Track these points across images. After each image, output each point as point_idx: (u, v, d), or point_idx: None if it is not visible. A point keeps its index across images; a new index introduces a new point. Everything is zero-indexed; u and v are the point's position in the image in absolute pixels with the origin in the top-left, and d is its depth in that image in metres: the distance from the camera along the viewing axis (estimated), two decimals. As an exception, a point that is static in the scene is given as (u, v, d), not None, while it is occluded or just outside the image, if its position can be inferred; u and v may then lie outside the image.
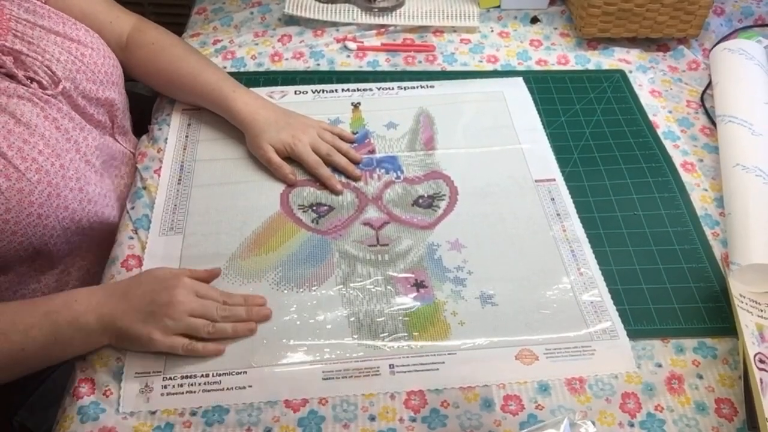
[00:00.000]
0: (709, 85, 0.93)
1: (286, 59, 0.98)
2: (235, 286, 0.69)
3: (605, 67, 0.98)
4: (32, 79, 0.70)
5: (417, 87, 0.93)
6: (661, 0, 0.94)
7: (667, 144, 0.86)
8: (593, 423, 0.58)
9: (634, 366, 0.64)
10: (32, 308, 0.62)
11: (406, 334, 0.66)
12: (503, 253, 0.73)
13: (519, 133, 0.86)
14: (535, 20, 1.06)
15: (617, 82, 0.95)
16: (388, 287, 0.70)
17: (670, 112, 0.91)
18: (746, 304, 0.67)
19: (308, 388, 0.62)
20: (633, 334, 0.67)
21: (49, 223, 0.68)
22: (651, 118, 0.89)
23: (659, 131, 0.88)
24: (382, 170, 0.82)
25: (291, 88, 0.92)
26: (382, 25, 1.03)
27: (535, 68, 0.98)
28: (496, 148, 0.85)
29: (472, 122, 0.88)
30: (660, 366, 0.65)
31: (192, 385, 0.62)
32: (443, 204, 0.78)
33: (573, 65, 0.98)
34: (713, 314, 0.68)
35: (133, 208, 0.78)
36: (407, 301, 0.69)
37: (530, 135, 0.86)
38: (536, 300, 0.69)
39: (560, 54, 1.00)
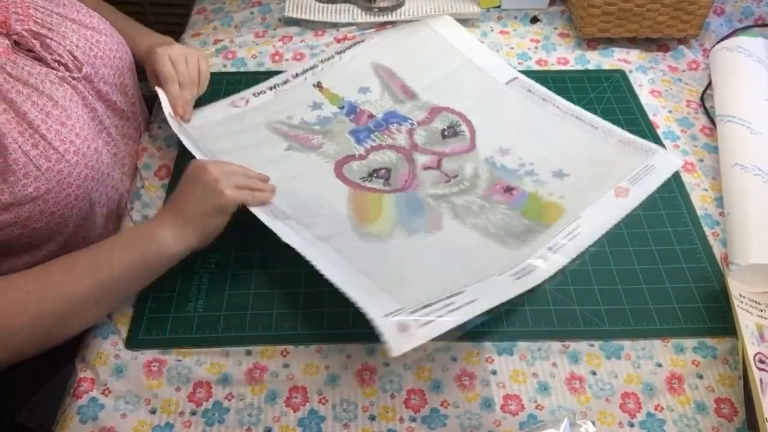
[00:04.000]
0: (709, 85, 0.93)
1: (287, 59, 0.98)
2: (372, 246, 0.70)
3: (605, 67, 0.98)
4: (59, 62, 0.71)
5: (352, 46, 0.97)
6: (661, 0, 0.94)
7: (667, 144, 0.86)
8: (593, 423, 0.58)
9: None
10: (109, 240, 0.66)
11: (536, 223, 0.72)
12: (538, 137, 0.84)
13: (464, 53, 0.96)
14: (535, 20, 1.06)
15: (617, 82, 0.95)
16: (491, 202, 0.75)
17: (670, 112, 0.91)
18: (746, 304, 0.67)
19: (507, 289, 0.62)
20: (633, 334, 0.67)
21: (84, 205, 0.70)
22: (651, 118, 0.89)
23: (659, 131, 0.88)
24: (395, 124, 0.85)
25: (249, 92, 0.90)
26: (382, 25, 1.03)
27: (535, 68, 0.98)
28: (457, 74, 0.93)
29: (422, 59, 0.95)
30: (660, 366, 0.65)
31: (433, 312, 0.60)
32: (464, 128, 0.85)
33: (573, 65, 0.98)
34: (713, 314, 0.68)
35: (132, 208, 0.78)
36: (513, 202, 0.75)
37: (474, 50, 0.96)
38: (589, 153, 0.80)
39: (560, 54, 1.00)
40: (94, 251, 0.64)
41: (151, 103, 0.92)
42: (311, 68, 0.93)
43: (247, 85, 0.93)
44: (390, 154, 0.81)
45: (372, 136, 0.84)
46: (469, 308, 0.59)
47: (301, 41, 1.01)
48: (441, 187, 0.77)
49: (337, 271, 0.63)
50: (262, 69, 0.97)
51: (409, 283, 0.65)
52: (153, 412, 0.61)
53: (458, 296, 0.61)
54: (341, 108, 0.87)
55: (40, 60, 0.70)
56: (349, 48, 0.96)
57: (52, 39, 0.71)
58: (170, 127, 0.81)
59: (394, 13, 1.04)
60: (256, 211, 0.68)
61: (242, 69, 0.97)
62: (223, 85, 0.93)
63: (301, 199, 0.73)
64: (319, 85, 0.90)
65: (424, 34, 0.98)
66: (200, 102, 0.87)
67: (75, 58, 0.73)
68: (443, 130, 0.84)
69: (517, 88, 0.91)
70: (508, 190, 0.77)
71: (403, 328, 0.57)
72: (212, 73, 0.94)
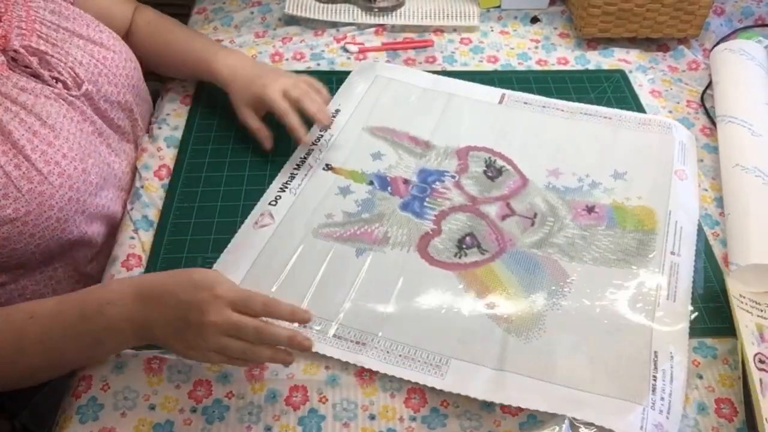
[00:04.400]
0: (710, 85, 0.93)
1: (287, 59, 0.98)
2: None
3: (605, 67, 0.98)
4: (57, 80, 0.70)
5: (335, 113, 0.88)
6: (661, 0, 0.94)
7: (667, 144, 0.86)
8: (593, 423, 0.58)
9: None
10: (66, 314, 0.58)
11: (642, 232, 0.74)
12: (571, 146, 0.84)
13: (440, 89, 0.92)
14: (535, 20, 1.06)
15: (617, 82, 0.95)
16: (588, 229, 0.75)
17: (670, 112, 0.91)
18: (746, 304, 0.67)
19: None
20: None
21: (67, 227, 0.68)
22: (651, 118, 0.90)
23: (659, 131, 0.88)
24: (437, 183, 0.80)
25: (264, 204, 0.77)
26: (382, 25, 1.03)
27: (535, 68, 0.98)
28: (449, 111, 0.89)
29: (407, 109, 0.90)
30: (660, 366, 0.65)
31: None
32: (501, 162, 0.82)
33: (573, 65, 0.98)
34: (713, 314, 0.68)
35: (132, 208, 0.78)
36: (605, 221, 0.76)
37: (444, 84, 0.93)
38: (623, 144, 0.84)
39: (560, 54, 1.00)
40: (48, 327, 0.58)
41: (153, 102, 0.92)
42: (308, 155, 0.83)
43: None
44: (459, 217, 0.76)
45: (426, 204, 0.77)
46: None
47: (301, 41, 1.01)
48: (533, 233, 0.74)
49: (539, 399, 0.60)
50: (262, 69, 0.97)
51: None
52: (152, 408, 0.61)
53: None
54: (371, 184, 0.80)
55: (37, 77, 0.69)
56: (333, 116, 0.87)
57: (52, 56, 0.71)
58: None
59: (394, 14, 1.04)
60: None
61: (242, 69, 0.97)
62: (224, 85, 0.93)
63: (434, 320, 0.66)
64: (330, 168, 0.81)
65: (383, 84, 0.92)
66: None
67: (76, 75, 0.72)
68: (485, 172, 0.80)
69: (513, 104, 0.90)
70: (590, 210, 0.77)
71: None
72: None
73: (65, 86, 0.71)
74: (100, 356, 0.63)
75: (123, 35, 0.85)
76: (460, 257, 0.72)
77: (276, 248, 0.72)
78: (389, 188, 0.79)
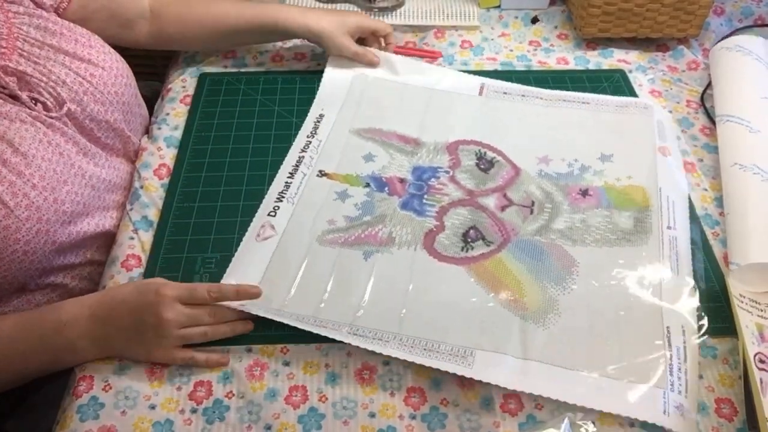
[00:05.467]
0: (709, 85, 0.93)
1: (287, 60, 0.98)
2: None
3: (605, 67, 0.98)
4: (37, 101, 0.69)
5: (315, 125, 0.87)
6: (661, 0, 0.94)
7: (667, 144, 0.86)
8: (593, 423, 0.58)
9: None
10: (26, 334, 0.62)
11: (637, 209, 0.77)
12: (557, 133, 0.85)
13: (419, 84, 0.93)
14: (535, 20, 1.06)
15: (617, 82, 0.95)
16: (585, 212, 0.76)
17: (670, 111, 0.91)
18: (746, 304, 0.67)
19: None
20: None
21: (36, 259, 0.66)
22: (651, 118, 0.89)
23: (659, 131, 0.88)
24: (434, 179, 0.80)
25: (263, 215, 0.76)
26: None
27: (535, 68, 0.98)
28: (433, 106, 0.90)
29: (391, 108, 0.90)
30: (660, 365, 0.65)
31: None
32: (491, 153, 0.83)
33: (573, 65, 0.98)
34: (713, 314, 0.68)
35: (132, 208, 0.78)
36: (600, 202, 0.77)
37: (423, 77, 0.94)
38: (604, 127, 0.86)
39: (560, 54, 1.00)
40: (9, 347, 0.62)
41: (150, 103, 0.92)
42: (299, 162, 0.82)
43: (248, 84, 0.93)
44: (460, 211, 0.77)
45: (425, 201, 0.78)
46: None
47: (301, 41, 1.01)
48: (533, 221, 0.76)
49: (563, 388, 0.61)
50: (262, 69, 0.97)
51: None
52: (153, 408, 0.61)
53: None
54: (367, 186, 0.79)
55: (15, 98, 0.67)
56: (314, 128, 0.86)
57: (32, 76, 0.69)
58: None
59: (394, 13, 1.04)
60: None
61: (242, 69, 0.97)
62: (223, 85, 0.93)
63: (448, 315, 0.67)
64: (324, 174, 0.81)
65: (362, 82, 0.92)
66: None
67: (58, 95, 0.70)
68: (477, 165, 0.81)
69: (493, 95, 0.91)
70: (585, 193, 0.78)
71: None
72: (212, 73, 0.95)
73: (45, 108, 0.69)
74: (63, 367, 0.64)
75: (144, 20, 0.85)
76: (467, 251, 0.73)
77: (283, 260, 0.71)
78: (386, 189, 0.79)
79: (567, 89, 0.93)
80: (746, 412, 0.60)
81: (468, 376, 0.61)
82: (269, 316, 0.65)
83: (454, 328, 0.66)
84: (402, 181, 0.80)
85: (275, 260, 0.71)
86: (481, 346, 0.64)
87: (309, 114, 0.88)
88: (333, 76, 0.93)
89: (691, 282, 0.70)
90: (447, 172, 0.81)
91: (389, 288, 0.69)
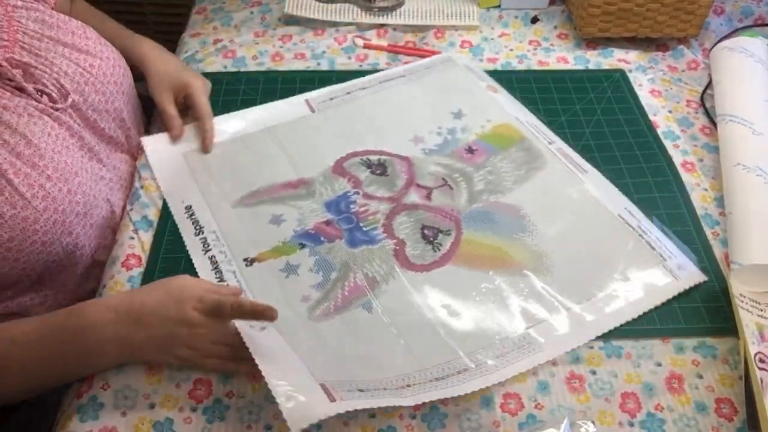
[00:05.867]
0: (709, 84, 0.93)
1: (287, 59, 0.98)
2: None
3: (605, 67, 0.98)
4: (42, 92, 0.69)
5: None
6: (661, 0, 0.94)
7: (667, 144, 0.86)
8: (593, 423, 0.58)
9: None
10: (47, 339, 0.59)
11: (518, 143, 0.85)
12: (409, 108, 0.89)
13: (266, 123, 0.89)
14: (535, 20, 1.06)
15: (617, 82, 0.95)
16: (482, 167, 0.82)
17: (670, 111, 0.91)
18: (746, 303, 0.67)
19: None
20: (633, 334, 0.67)
21: (53, 249, 0.67)
22: (651, 117, 0.89)
23: (659, 131, 0.88)
24: (352, 204, 0.77)
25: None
26: (382, 25, 1.03)
27: (535, 68, 0.98)
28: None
29: (238, 164, 0.83)
30: (660, 365, 0.65)
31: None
32: (372, 157, 0.83)
33: (573, 65, 0.98)
34: (713, 314, 0.68)
35: (132, 209, 0.78)
36: (486, 152, 0.83)
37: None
38: (431, 82, 0.93)
39: (560, 54, 1.00)
40: (29, 353, 0.59)
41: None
42: (214, 264, 0.72)
43: (248, 84, 0.93)
44: (401, 219, 0.76)
45: (365, 229, 0.75)
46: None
47: (301, 41, 1.01)
48: (459, 194, 0.79)
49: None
50: (262, 69, 0.97)
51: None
52: (152, 407, 0.61)
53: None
54: (303, 246, 0.73)
55: (21, 90, 0.68)
56: (195, 223, 0.76)
57: (36, 67, 0.69)
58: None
59: (393, 13, 1.04)
60: None
61: (242, 69, 0.97)
62: (223, 85, 0.93)
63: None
64: (252, 260, 0.72)
65: (197, 159, 0.82)
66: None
67: (61, 86, 0.70)
68: (373, 172, 0.80)
69: (324, 107, 0.89)
70: (471, 150, 0.83)
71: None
72: (212, 73, 0.95)
73: (51, 99, 0.69)
74: (81, 376, 0.63)
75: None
76: (438, 249, 0.73)
77: (297, 345, 0.64)
78: (322, 238, 0.74)
79: (567, 89, 0.93)
80: (746, 412, 0.60)
81: (549, 358, 0.64)
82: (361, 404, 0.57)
83: (503, 316, 0.67)
84: (328, 223, 0.75)
85: (281, 351, 0.63)
86: (535, 320, 0.67)
87: (174, 211, 0.76)
88: (160, 159, 0.82)
89: (588, 168, 0.81)
90: (357, 193, 0.78)
91: (411, 323, 0.67)
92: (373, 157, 0.82)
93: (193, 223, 0.75)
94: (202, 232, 0.74)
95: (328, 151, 0.84)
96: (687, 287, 0.69)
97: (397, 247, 0.73)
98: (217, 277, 0.70)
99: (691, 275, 0.70)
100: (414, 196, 0.78)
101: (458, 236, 0.74)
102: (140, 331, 0.60)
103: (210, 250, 0.73)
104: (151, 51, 0.86)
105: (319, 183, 0.80)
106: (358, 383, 0.61)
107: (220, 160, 0.82)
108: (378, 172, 0.81)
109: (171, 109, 0.83)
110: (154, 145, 0.84)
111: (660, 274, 0.70)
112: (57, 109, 0.70)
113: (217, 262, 0.71)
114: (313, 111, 0.89)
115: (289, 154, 0.83)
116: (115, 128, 0.79)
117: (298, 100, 0.90)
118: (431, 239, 0.74)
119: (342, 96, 0.91)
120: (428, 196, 0.78)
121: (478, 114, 0.88)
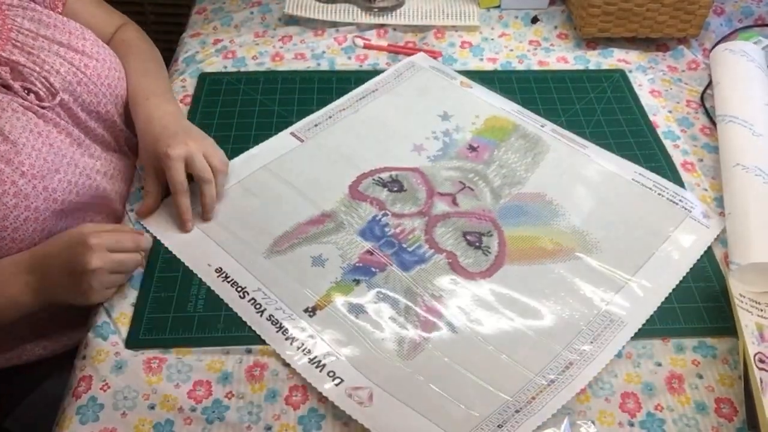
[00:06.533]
0: (709, 84, 0.93)
1: (287, 59, 0.98)
2: None
3: (605, 67, 0.98)
4: (29, 91, 0.69)
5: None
6: (661, 0, 0.94)
7: (667, 144, 0.86)
8: (593, 423, 0.58)
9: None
10: None
11: (507, 137, 0.86)
12: (399, 118, 0.88)
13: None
14: (535, 20, 1.06)
15: (617, 82, 0.95)
16: (491, 162, 0.83)
17: (670, 111, 0.91)
18: (746, 303, 0.67)
19: None
20: (633, 334, 0.67)
21: (24, 247, 0.67)
22: (651, 117, 0.89)
23: (659, 131, 0.88)
24: (387, 227, 0.75)
25: None
26: (382, 26, 1.03)
27: (535, 68, 0.98)
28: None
29: (254, 213, 0.77)
30: (660, 365, 0.65)
31: None
32: (384, 175, 0.81)
33: (573, 65, 0.98)
34: (713, 314, 0.68)
35: (132, 209, 0.78)
36: (488, 148, 0.84)
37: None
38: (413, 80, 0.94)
39: (560, 54, 1.00)
40: None
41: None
42: (278, 325, 0.67)
43: (248, 84, 0.93)
44: (439, 231, 0.75)
45: (408, 249, 0.73)
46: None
47: (301, 41, 1.01)
48: (482, 194, 0.79)
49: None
50: (262, 69, 0.97)
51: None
52: (152, 408, 0.61)
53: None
54: (357, 282, 0.70)
55: (7, 87, 0.68)
56: (234, 283, 0.70)
57: (25, 65, 0.69)
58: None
59: (393, 13, 1.04)
60: None
61: (242, 69, 0.97)
62: (223, 85, 0.93)
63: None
64: (313, 311, 0.68)
65: (203, 233, 0.75)
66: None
67: (51, 85, 0.70)
68: (391, 190, 0.78)
69: (310, 133, 0.86)
70: (473, 149, 0.83)
71: None
72: (212, 73, 0.95)
73: (38, 97, 0.69)
74: (8, 322, 0.66)
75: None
76: (489, 252, 0.73)
77: (406, 403, 0.61)
78: (372, 269, 0.71)
79: (567, 89, 0.93)
80: (746, 412, 0.60)
81: (633, 332, 0.66)
82: None
83: (578, 305, 0.68)
84: (371, 252, 0.73)
85: (402, 400, 0.62)
86: (607, 298, 0.69)
87: (205, 278, 0.70)
88: (166, 230, 0.75)
89: (586, 143, 0.85)
90: (386, 214, 0.76)
91: (500, 329, 0.66)
92: (384, 175, 0.80)
93: (232, 285, 0.69)
94: (247, 294, 0.69)
95: (335, 178, 0.80)
96: (718, 233, 0.74)
97: (450, 260, 0.72)
98: (285, 336, 0.65)
99: (716, 222, 0.75)
100: (441, 205, 0.78)
101: (501, 235, 0.75)
102: (47, 279, 0.64)
103: (265, 310, 0.67)
104: (141, 116, 0.77)
105: (342, 213, 0.76)
106: (493, 419, 0.59)
107: (228, 214, 0.76)
108: (395, 189, 0.79)
109: (149, 186, 0.75)
110: (156, 219, 0.76)
111: (691, 226, 0.75)
112: (44, 107, 0.70)
113: (278, 320, 0.66)
114: (301, 141, 0.84)
115: (298, 189, 0.79)
116: (105, 129, 0.79)
117: (284, 134, 0.85)
118: (477, 244, 0.73)
119: (325, 121, 0.87)
120: (454, 202, 0.78)
121: (464, 111, 0.88)
